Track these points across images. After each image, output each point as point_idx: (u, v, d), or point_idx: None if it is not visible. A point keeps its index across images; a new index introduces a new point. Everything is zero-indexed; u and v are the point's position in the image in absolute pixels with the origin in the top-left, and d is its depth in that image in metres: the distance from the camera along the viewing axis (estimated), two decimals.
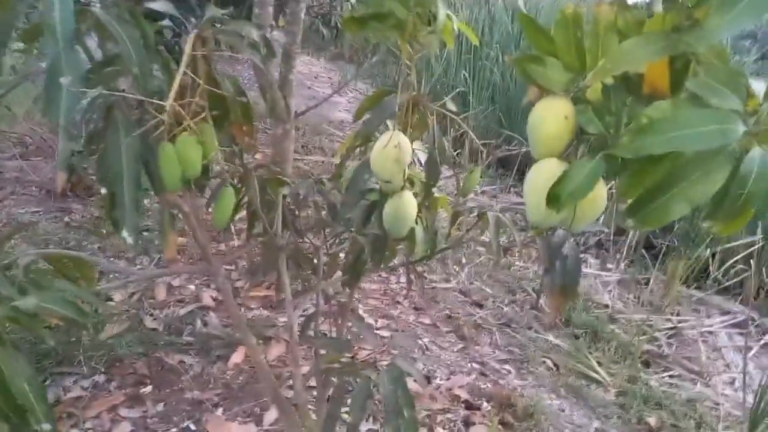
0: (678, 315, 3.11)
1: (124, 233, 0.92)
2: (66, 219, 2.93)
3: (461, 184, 1.30)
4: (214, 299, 2.37)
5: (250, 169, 1.43)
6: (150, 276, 2.12)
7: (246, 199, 1.43)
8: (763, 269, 3.40)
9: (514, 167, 4.71)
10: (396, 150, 1.09)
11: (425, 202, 1.28)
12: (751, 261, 3.40)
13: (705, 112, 0.68)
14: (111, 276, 2.32)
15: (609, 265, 3.38)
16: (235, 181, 1.41)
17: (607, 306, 2.94)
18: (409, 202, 1.15)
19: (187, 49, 0.91)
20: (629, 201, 0.78)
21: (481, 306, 2.72)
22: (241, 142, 1.13)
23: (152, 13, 1.01)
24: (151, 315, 2.27)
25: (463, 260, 3.00)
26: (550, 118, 0.86)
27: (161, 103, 0.87)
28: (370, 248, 1.28)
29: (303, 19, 2.31)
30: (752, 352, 2.92)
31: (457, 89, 5.32)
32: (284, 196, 1.53)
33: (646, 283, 3.33)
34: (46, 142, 3.67)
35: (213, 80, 1.00)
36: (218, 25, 1.02)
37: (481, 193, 4.39)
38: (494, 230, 1.27)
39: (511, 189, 4.56)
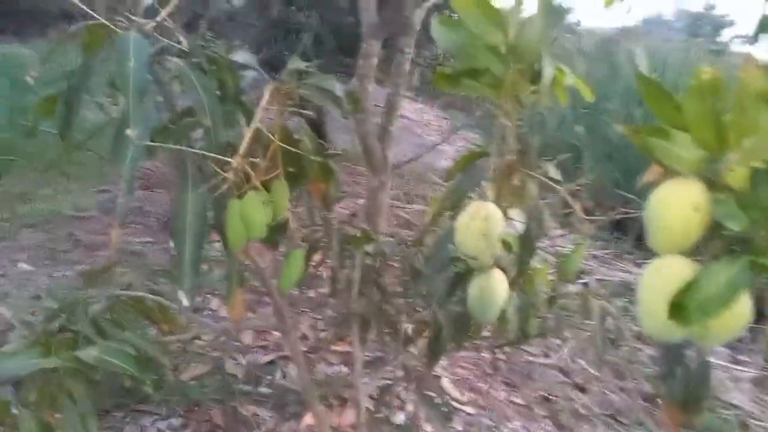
0: None
1: (180, 294, 0.86)
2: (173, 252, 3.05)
3: (562, 264, 1.13)
4: None
5: (332, 225, 1.36)
6: (219, 330, 2.10)
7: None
8: None
9: (630, 231, 4.32)
10: (484, 223, 0.96)
11: (519, 280, 1.13)
12: None
13: None
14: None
15: (742, 357, 2.91)
16: (317, 235, 1.35)
17: (737, 407, 2.50)
18: (497, 284, 1.00)
19: (262, 102, 0.86)
20: None
21: (583, 390, 2.42)
22: (318, 200, 1.06)
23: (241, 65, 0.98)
24: (234, 359, 2.25)
25: (566, 333, 2.72)
26: (676, 206, 0.69)
27: (227, 159, 0.82)
28: (451, 328, 1.14)
29: (411, 69, 2.27)
30: None
31: (571, 146, 5.05)
32: (368, 254, 1.44)
33: None
34: (165, 175, 3.93)
35: (288, 136, 0.94)
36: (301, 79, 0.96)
37: (592, 258, 4.05)
38: (598, 322, 1.08)
39: (625, 256, 4.17)
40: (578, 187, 1.18)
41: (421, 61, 5.41)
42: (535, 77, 0.99)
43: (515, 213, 1.18)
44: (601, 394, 2.43)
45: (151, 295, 1.33)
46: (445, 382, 2.24)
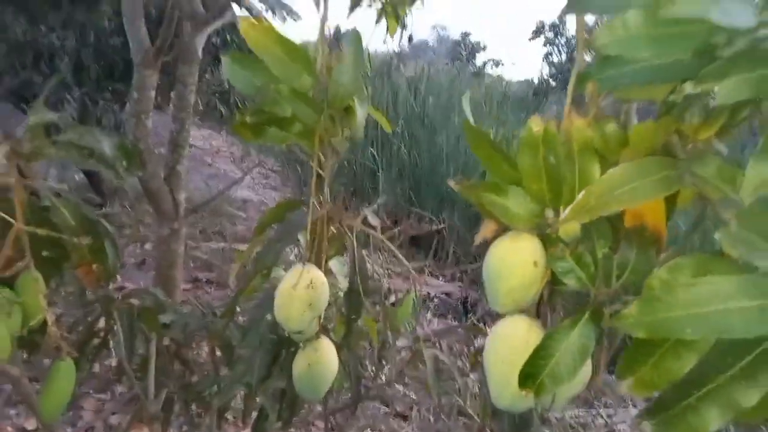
0: None
1: None
2: None
3: (389, 316, 1.05)
4: None
5: (113, 301, 1.11)
6: None
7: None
8: None
9: (424, 245, 4.60)
10: (309, 291, 0.83)
11: (347, 341, 1.02)
12: None
13: (746, 280, 0.49)
14: None
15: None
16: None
17: None
18: (326, 357, 0.88)
19: None
20: (638, 386, 0.56)
21: (405, 418, 2.42)
22: (90, 285, 0.82)
23: None
24: None
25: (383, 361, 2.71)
26: (515, 264, 0.64)
27: None
28: (275, 407, 0.98)
29: (195, 99, 2.05)
30: None
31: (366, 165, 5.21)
32: (166, 325, 1.21)
33: None
34: None
35: (40, 213, 0.70)
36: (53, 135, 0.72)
37: (396, 275, 4.17)
38: (432, 374, 1.02)
39: (426, 269, 4.40)
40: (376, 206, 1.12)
41: (204, 86, 5.10)
42: (344, 119, 0.90)
43: (334, 263, 1.08)
44: (422, 418, 2.45)
45: None
46: None
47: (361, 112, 0.85)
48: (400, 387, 2.64)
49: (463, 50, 17.37)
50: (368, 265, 1.04)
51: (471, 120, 0.66)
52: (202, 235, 3.80)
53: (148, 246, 3.33)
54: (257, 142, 0.80)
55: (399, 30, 2.59)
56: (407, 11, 2.27)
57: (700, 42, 0.49)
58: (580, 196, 0.60)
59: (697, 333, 0.48)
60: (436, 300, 3.96)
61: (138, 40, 1.69)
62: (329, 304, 0.93)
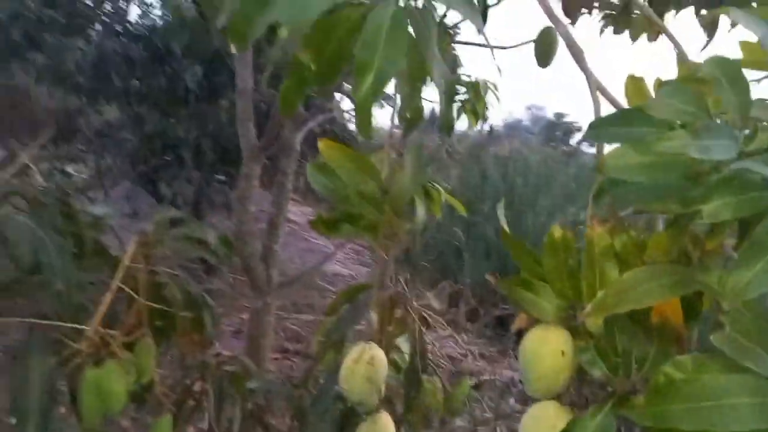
0: None
1: None
2: None
3: (447, 401, 1.12)
4: None
5: (209, 367, 1.27)
6: None
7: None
8: None
9: (512, 326, 4.51)
10: (369, 367, 0.94)
11: (407, 417, 1.10)
12: None
13: (737, 379, 0.54)
14: None
15: None
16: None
17: None
18: (384, 429, 0.97)
19: (125, 261, 0.80)
20: None
21: None
22: (190, 354, 0.98)
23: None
24: None
25: None
26: (545, 353, 0.72)
27: (81, 327, 0.74)
28: None
29: (298, 179, 2.30)
30: None
31: (452, 243, 5.30)
32: (251, 391, 1.35)
33: None
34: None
35: (156, 289, 0.88)
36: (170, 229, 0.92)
37: (480, 357, 4.14)
38: None
39: (509, 352, 4.31)
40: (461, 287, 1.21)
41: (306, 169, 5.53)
42: (409, 214, 1.03)
43: (402, 342, 1.18)
44: None
45: None
46: None
47: (420, 212, 0.98)
48: None
49: (558, 130, 17.40)
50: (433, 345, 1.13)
51: (506, 227, 0.77)
52: (294, 307, 4.03)
53: (245, 316, 3.59)
54: (331, 235, 0.94)
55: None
56: (486, 107, 2.44)
57: (687, 169, 0.58)
58: (599, 294, 0.68)
59: (692, 426, 0.54)
60: (520, 385, 3.86)
61: (247, 138, 1.97)
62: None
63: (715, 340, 0.58)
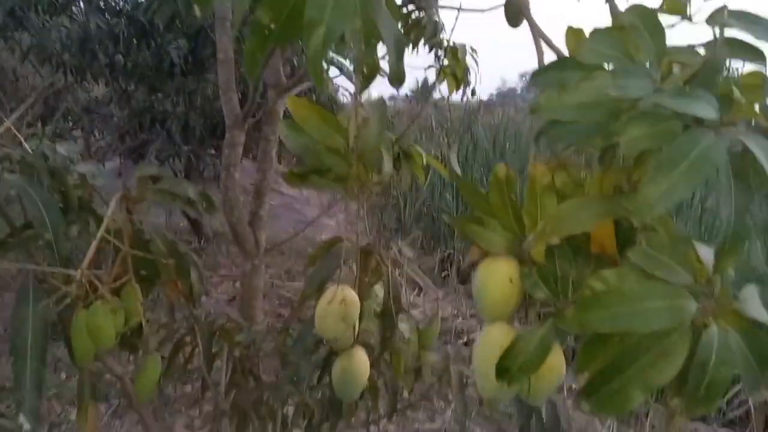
0: None
1: (21, 418, 0.81)
2: None
3: (421, 335, 1.20)
4: None
5: (198, 320, 1.34)
6: None
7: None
8: None
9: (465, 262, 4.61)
10: (342, 307, 1.01)
11: (383, 356, 1.19)
12: None
13: (651, 286, 0.62)
14: None
15: None
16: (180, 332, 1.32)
17: None
18: (359, 363, 1.05)
19: (108, 212, 0.86)
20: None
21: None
22: (175, 300, 1.05)
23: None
24: None
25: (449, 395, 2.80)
26: (494, 281, 0.79)
27: (70, 272, 0.81)
28: (322, 411, 1.16)
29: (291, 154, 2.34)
30: None
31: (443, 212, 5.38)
32: (239, 344, 1.43)
33: (646, 416, 3.10)
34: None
35: (140, 241, 0.95)
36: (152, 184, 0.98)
37: (470, 316, 4.25)
38: (458, 390, 1.16)
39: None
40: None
41: None
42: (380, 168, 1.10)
43: (378, 288, 1.26)
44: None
45: None
46: None
47: (387, 165, 1.04)
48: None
49: None
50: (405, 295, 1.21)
51: (458, 171, 0.83)
52: (287, 275, 4.13)
53: (238, 285, 3.68)
54: (304, 187, 1.01)
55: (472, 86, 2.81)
56: (467, 71, 2.48)
57: (610, 107, 0.64)
58: (539, 224, 0.75)
59: (612, 328, 0.62)
60: None
61: (230, 107, 2.02)
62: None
63: (632, 254, 0.65)
